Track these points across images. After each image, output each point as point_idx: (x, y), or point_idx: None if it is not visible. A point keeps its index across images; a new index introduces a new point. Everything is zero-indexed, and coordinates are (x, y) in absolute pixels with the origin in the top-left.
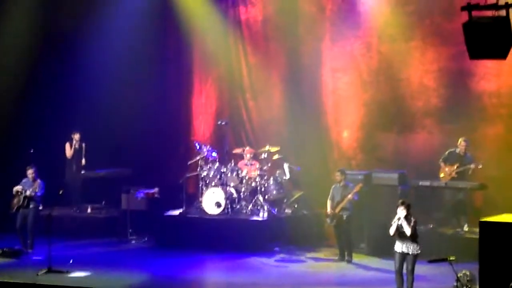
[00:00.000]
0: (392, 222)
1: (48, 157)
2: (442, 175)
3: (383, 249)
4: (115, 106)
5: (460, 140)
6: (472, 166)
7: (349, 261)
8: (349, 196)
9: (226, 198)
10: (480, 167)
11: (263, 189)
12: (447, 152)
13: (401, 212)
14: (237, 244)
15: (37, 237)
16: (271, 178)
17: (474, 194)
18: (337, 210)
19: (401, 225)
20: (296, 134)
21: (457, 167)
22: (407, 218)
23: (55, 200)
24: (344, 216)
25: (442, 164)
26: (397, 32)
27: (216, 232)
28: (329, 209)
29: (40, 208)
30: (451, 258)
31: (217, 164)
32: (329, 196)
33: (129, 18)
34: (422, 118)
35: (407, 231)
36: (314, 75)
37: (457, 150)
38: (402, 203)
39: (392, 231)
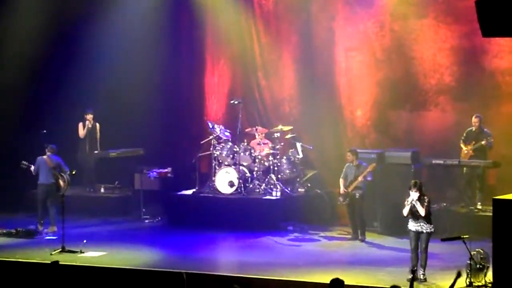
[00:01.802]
0: (405, 203)
1: (61, 137)
2: (461, 155)
3: (396, 228)
4: (128, 86)
5: (473, 117)
6: (483, 142)
7: (363, 240)
8: (362, 175)
9: (239, 178)
10: (492, 140)
11: (276, 168)
12: (465, 133)
13: (414, 194)
14: (250, 223)
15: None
16: (284, 157)
17: (487, 171)
18: (350, 189)
19: (414, 205)
20: (309, 113)
21: (473, 145)
22: (420, 198)
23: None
24: (357, 195)
25: (462, 145)
26: (410, 10)
27: (229, 212)
28: (342, 188)
29: None
30: (464, 236)
31: (229, 143)
32: (342, 175)
33: (142, 2)
34: (435, 96)
35: (421, 212)
36: (327, 54)
37: (473, 129)
38: (415, 185)
39: (405, 212)
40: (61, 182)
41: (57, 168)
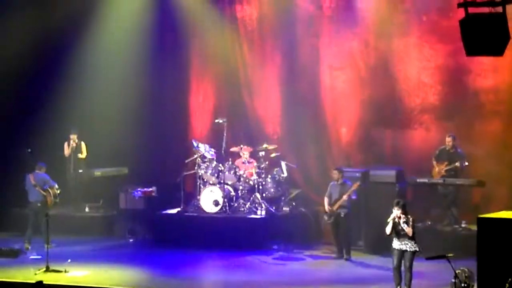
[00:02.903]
0: (388, 220)
1: (47, 156)
2: (433, 173)
3: (380, 246)
4: (112, 105)
5: (446, 136)
6: (457, 164)
7: (348, 259)
8: (347, 194)
9: (224, 197)
10: (466, 164)
11: (260, 187)
12: (438, 150)
13: (397, 211)
14: (235, 242)
15: (34, 236)
16: (269, 176)
17: (472, 190)
18: (334, 207)
19: (401, 227)
20: (293, 132)
21: (446, 165)
22: (406, 219)
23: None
24: (342, 214)
25: (434, 163)
26: (394, 29)
27: (214, 230)
28: (326, 207)
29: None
30: (449, 255)
31: (214, 162)
32: (326, 193)
33: (126, 18)
34: (419, 115)
35: (409, 232)
36: (312, 73)
37: (447, 147)
38: (397, 203)
39: (388, 230)
40: (48, 198)
41: (42, 185)
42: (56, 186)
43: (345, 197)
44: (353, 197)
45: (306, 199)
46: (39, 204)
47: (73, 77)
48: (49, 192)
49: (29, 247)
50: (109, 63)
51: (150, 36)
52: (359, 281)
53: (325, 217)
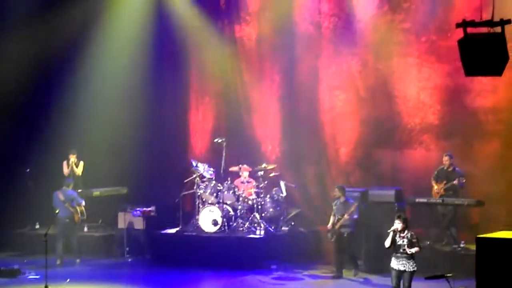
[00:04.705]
0: (388, 231)
1: (46, 176)
2: (432, 193)
3: (380, 266)
4: (111, 124)
5: (443, 156)
6: (455, 182)
7: (356, 274)
8: (348, 213)
9: (223, 216)
10: (464, 181)
11: (259, 207)
12: (436, 171)
13: (397, 224)
14: (234, 262)
15: (33, 256)
16: (268, 196)
17: (471, 210)
18: (336, 226)
19: (402, 243)
20: (292, 152)
21: (445, 184)
22: (411, 241)
23: (52, 219)
24: (345, 234)
25: (433, 183)
26: (393, 49)
27: (213, 250)
28: (329, 225)
29: (37, 226)
30: (448, 275)
31: (213, 182)
32: (332, 212)
33: (125, 38)
34: (419, 134)
35: (415, 250)
36: (311, 93)
37: (444, 167)
38: (399, 217)
39: (387, 242)
40: (75, 215)
41: (71, 201)
42: (83, 203)
43: (346, 216)
44: (355, 216)
45: (305, 219)
46: (67, 220)
47: (72, 97)
48: (76, 209)
49: (61, 263)
50: (109, 83)
51: (149, 56)
52: None
53: (328, 235)
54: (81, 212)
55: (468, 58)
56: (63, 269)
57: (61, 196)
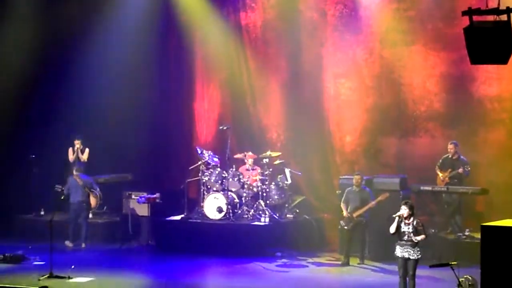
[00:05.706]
0: (394, 216)
1: (50, 162)
2: (437, 182)
3: (385, 254)
4: (117, 111)
5: (448, 144)
6: (460, 170)
7: (362, 261)
8: (373, 203)
9: (228, 203)
10: (469, 169)
11: (264, 194)
12: (441, 159)
13: (403, 210)
14: (239, 249)
15: (38, 242)
16: (273, 183)
17: (475, 198)
18: (355, 214)
19: (406, 231)
20: (297, 139)
21: (450, 172)
22: (416, 228)
23: (57, 205)
24: (363, 222)
25: (438, 171)
26: (399, 37)
27: (218, 237)
28: (345, 213)
29: (42, 213)
30: (452, 263)
31: (218, 169)
32: (343, 199)
33: (130, 25)
34: (424, 122)
35: (422, 237)
36: (316, 81)
37: (449, 155)
38: (405, 203)
39: (392, 228)
40: (92, 200)
41: (88, 186)
42: (98, 189)
43: (373, 203)
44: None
45: (309, 206)
46: (84, 204)
47: (77, 84)
48: (94, 193)
49: (72, 245)
50: (114, 70)
51: (155, 43)
52: None
53: (342, 223)
54: (100, 197)
55: (473, 46)
56: (68, 255)
57: (79, 181)
